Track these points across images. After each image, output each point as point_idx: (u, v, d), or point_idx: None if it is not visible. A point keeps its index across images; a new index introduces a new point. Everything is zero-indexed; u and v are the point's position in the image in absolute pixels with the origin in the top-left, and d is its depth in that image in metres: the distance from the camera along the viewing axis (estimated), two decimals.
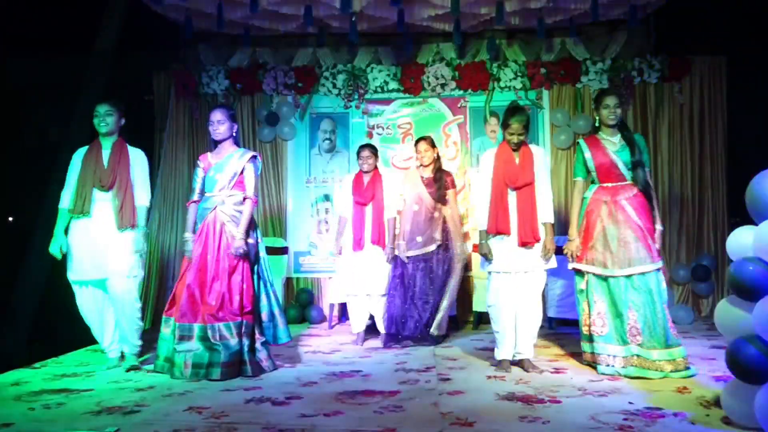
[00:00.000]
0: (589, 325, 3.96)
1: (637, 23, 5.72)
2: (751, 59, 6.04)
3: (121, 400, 3.44)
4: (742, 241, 2.97)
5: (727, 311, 3.00)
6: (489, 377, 3.92)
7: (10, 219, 7.12)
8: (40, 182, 5.48)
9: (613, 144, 3.99)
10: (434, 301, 5.03)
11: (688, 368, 3.76)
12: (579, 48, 6.48)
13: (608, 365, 3.85)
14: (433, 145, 5.16)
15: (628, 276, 3.84)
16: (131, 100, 7.02)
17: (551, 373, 4.00)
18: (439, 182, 5.09)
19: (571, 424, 2.95)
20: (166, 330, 4.01)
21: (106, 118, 4.21)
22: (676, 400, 3.31)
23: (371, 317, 5.22)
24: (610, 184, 3.97)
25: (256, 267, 4.17)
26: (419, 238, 5.04)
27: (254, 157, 4.20)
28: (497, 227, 4.02)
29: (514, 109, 4.11)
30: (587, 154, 4.01)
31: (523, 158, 4.06)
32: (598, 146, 4.01)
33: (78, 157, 4.25)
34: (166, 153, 6.57)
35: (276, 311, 4.19)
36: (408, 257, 5.03)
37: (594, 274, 3.94)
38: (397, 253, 5.09)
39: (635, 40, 6.46)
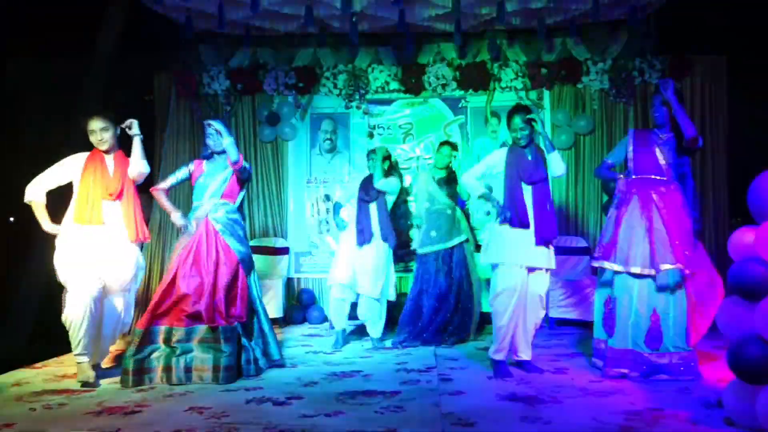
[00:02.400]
0: (603, 326, 3.93)
1: (637, 23, 5.71)
2: (752, 59, 6.03)
3: (122, 400, 3.44)
4: (743, 241, 2.97)
5: (728, 312, 3.00)
6: (490, 378, 3.92)
7: (11, 219, 7.11)
8: None
9: (660, 138, 3.99)
10: (459, 302, 5.11)
11: (698, 373, 3.73)
12: (580, 48, 6.47)
13: (614, 368, 3.79)
14: (453, 152, 5.33)
15: (653, 276, 3.77)
16: (132, 101, 7.04)
17: (552, 373, 3.99)
18: (454, 183, 5.22)
19: (572, 424, 2.95)
20: (158, 339, 3.88)
21: (103, 135, 4.02)
22: (678, 400, 3.31)
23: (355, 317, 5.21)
24: (643, 176, 3.94)
25: (252, 276, 4.18)
26: (433, 233, 5.11)
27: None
28: (519, 220, 3.92)
29: (515, 108, 4.13)
30: (630, 145, 4.05)
31: (534, 155, 4.06)
32: (644, 137, 4.04)
33: (77, 163, 4.04)
34: (167, 153, 6.57)
35: (266, 329, 4.19)
36: (425, 253, 5.12)
37: (617, 272, 3.87)
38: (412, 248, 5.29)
39: (636, 40, 6.44)
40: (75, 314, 3.81)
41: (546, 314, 4.46)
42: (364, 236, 5.02)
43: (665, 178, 3.92)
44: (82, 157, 4.08)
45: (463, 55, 6.58)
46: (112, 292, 4.03)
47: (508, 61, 6.46)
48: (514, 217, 3.91)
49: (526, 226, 3.92)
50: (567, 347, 4.81)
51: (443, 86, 6.48)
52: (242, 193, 4.31)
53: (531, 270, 3.97)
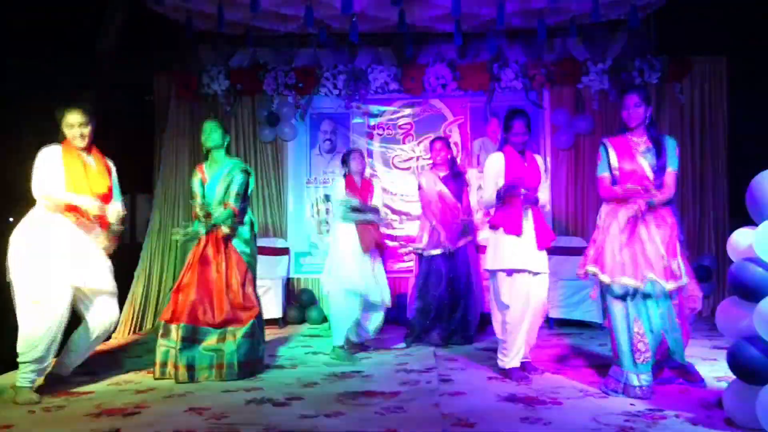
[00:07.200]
0: (632, 351, 3.50)
1: (637, 24, 5.70)
2: (751, 59, 6.03)
3: (121, 402, 3.44)
4: (743, 241, 2.97)
5: (728, 312, 3.01)
6: (490, 378, 3.92)
7: (11, 219, 7.11)
8: None
9: (638, 145, 3.69)
10: (464, 303, 5.09)
11: (701, 379, 3.63)
12: (580, 48, 6.47)
13: (636, 396, 3.41)
14: (448, 146, 5.29)
15: (643, 291, 3.52)
16: (132, 101, 7.04)
17: (552, 374, 3.99)
18: (458, 180, 5.20)
19: (572, 425, 2.96)
20: (168, 336, 3.93)
21: (83, 130, 3.72)
22: (678, 401, 3.31)
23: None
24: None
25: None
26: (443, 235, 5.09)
27: (245, 171, 4.18)
28: (514, 229, 3.85)
29: (514, 112, 4.03)
30: (612, 156, 3.71)
31: (530, 161, 4.04)
32: (624, 147, 3.70)
33: (55, 156, 3.70)
34: (167, 153, 6.55)
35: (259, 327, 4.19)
36: (434, 255, 5.09)
37: (628, 286, 3.53)
38: (413, 248, 5.27)
39: (636, 41, 6.44)
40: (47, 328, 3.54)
41: (546, 314, 4.43)
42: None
43: (653, 188, 3.61)
44: (56, 150, 3.73)
45: (463, 55, 6.58)
46: (108, 299, 3.85)
47: (507, 62, 6.45)
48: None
49: (518, 234, 3.84)
50: (567, 347, 4.81)
51: (443, 86, 6.47)
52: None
53: (535, 274, 3.91)
